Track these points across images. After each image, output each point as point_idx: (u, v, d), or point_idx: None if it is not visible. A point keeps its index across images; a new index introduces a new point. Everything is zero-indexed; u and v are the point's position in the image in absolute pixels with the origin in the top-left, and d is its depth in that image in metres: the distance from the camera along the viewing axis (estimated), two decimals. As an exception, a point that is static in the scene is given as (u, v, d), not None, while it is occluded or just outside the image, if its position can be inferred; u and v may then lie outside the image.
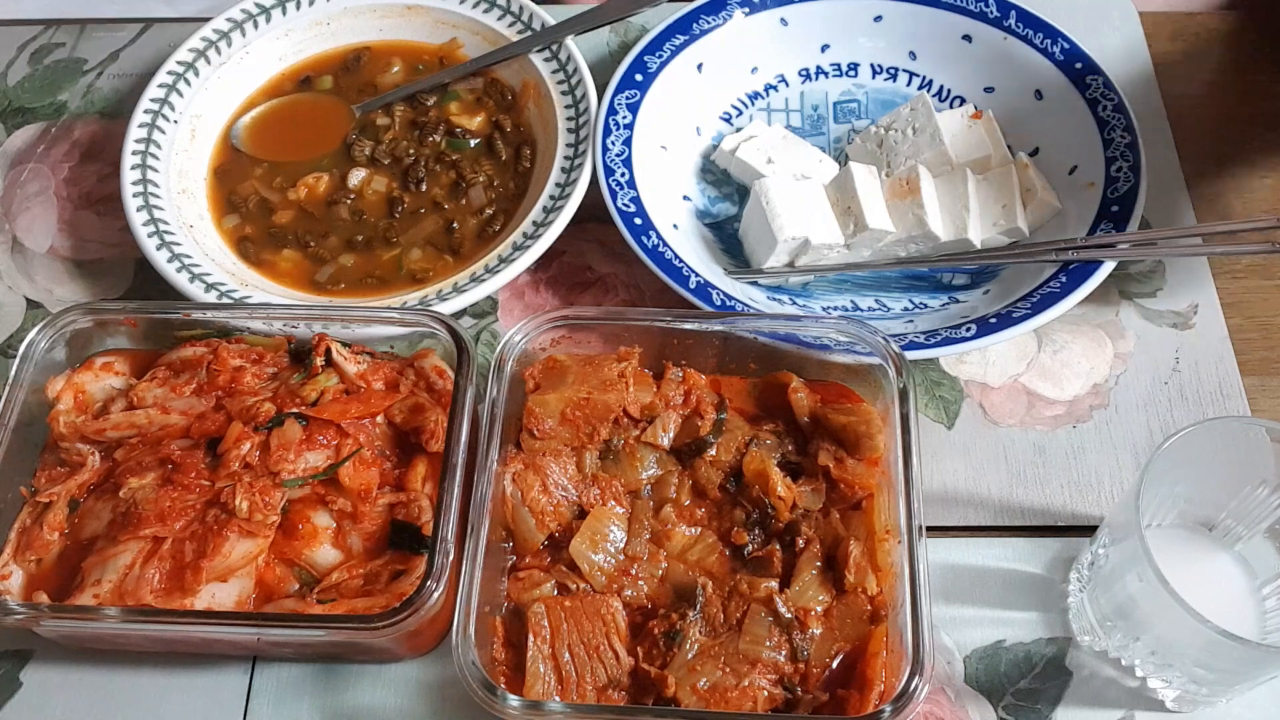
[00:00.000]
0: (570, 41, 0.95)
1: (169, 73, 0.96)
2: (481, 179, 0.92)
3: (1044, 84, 0.93)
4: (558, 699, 0.66)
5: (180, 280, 0.84)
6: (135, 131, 0.92)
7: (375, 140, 0.95)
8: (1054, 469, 0.80)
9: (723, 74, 0.97)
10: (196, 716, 0.73)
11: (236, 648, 0.73)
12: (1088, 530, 0.74)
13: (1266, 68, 1.02)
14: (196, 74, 0.96)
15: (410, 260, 0.89)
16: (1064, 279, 0.81)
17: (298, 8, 1.00)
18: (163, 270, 0.84)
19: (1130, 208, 0.84)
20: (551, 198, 0.87)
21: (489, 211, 0.91)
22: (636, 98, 0.91)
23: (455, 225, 0.90)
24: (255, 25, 0.99)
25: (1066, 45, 0.92)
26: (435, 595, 0.65)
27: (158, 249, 0.85)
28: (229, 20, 0.99)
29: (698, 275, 0.82)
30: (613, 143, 0.89)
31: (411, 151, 0.94)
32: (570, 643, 0.67)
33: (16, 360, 0.74)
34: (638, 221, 0.84)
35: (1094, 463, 0.81)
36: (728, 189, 0.94)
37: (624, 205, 0.85)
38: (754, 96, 0.98)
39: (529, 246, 0.84)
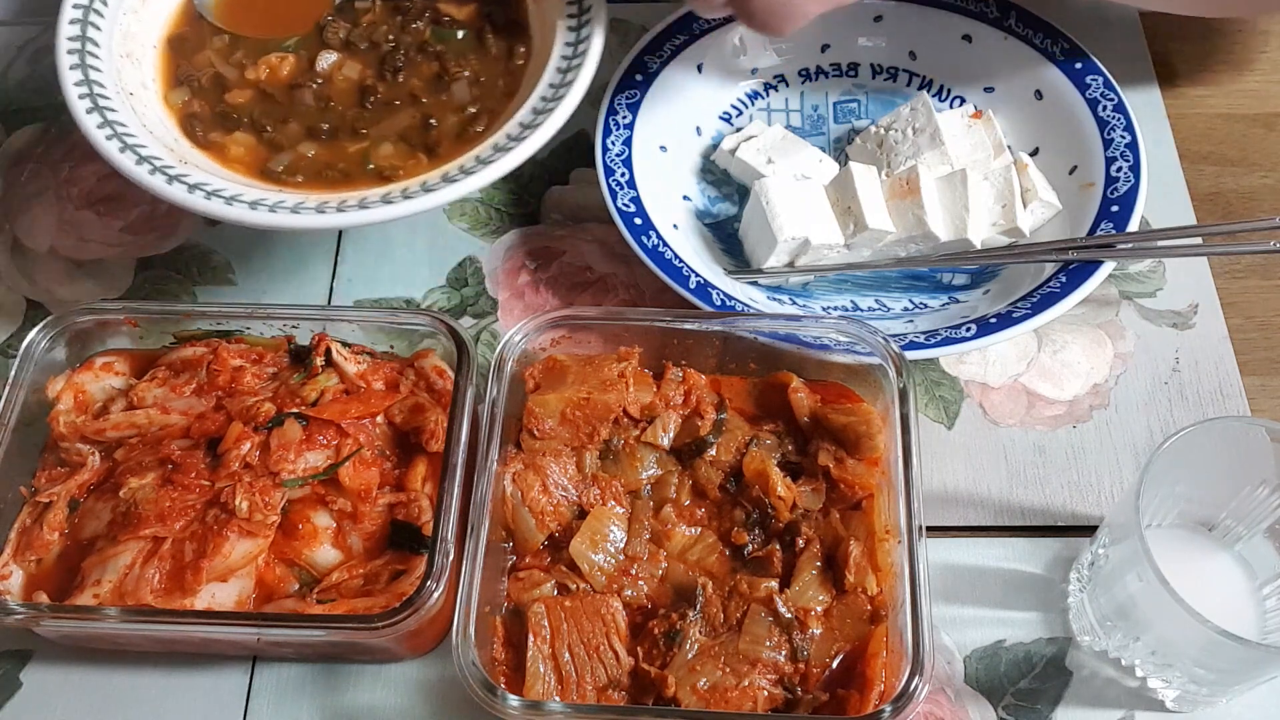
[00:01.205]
0: None
1: None
2: (467, 73, 0.84)
3: (1044, 84, 0.93)
4: (558, 699, 0.66)
5: (110, 149, 0.75)
6: None
7: (353, 23, 0.87)
8: (1054, 469, 0.80)
9: (723, 74, 0.97)
10: (196, 716, 0.73)
11: (236, 648, 0.73)
12: (1088, 530, 0.74)
13: (1267, 68, 1.02)
14: None
15: (379, 154, 0.81)
16: (1064, 279, 0.81)
17: None
18: (91, 136, 0.76)
19: (1130, 208, 0.84)
20: (543, 98, 0.79)
21: (472, 110, 0.83)
22: (636, 98, 0.91)
23: (433, 121, 0.82)
24: None
25: (1066, 45, 0.92)
26: (435, 595, 0.65)
27: (88, 112, 0.76)
28: None
29: (698, 275, 0.82)
30: (613, 143, 0.89)
31: (391, 38, 0.86)
32: (570, 643, 0.67)
33: (16, 360, 0.74)
34: (638, 221, 0.84)
35: (1094, 463, 0.81)
36: (728, 189, 0.94)
37: (624, 205, 0.85)
38: (754, 96, 0.98)
39: (511, 149, 0.76)
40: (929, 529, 0.73)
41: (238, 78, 0.84)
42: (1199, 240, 0.87)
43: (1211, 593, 0.70)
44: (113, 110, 0.77)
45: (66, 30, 0.80)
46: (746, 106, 0.98)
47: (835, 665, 0.68)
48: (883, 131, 0.91)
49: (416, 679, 0.73)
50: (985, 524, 0.78)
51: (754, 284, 0.87)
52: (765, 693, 0.66)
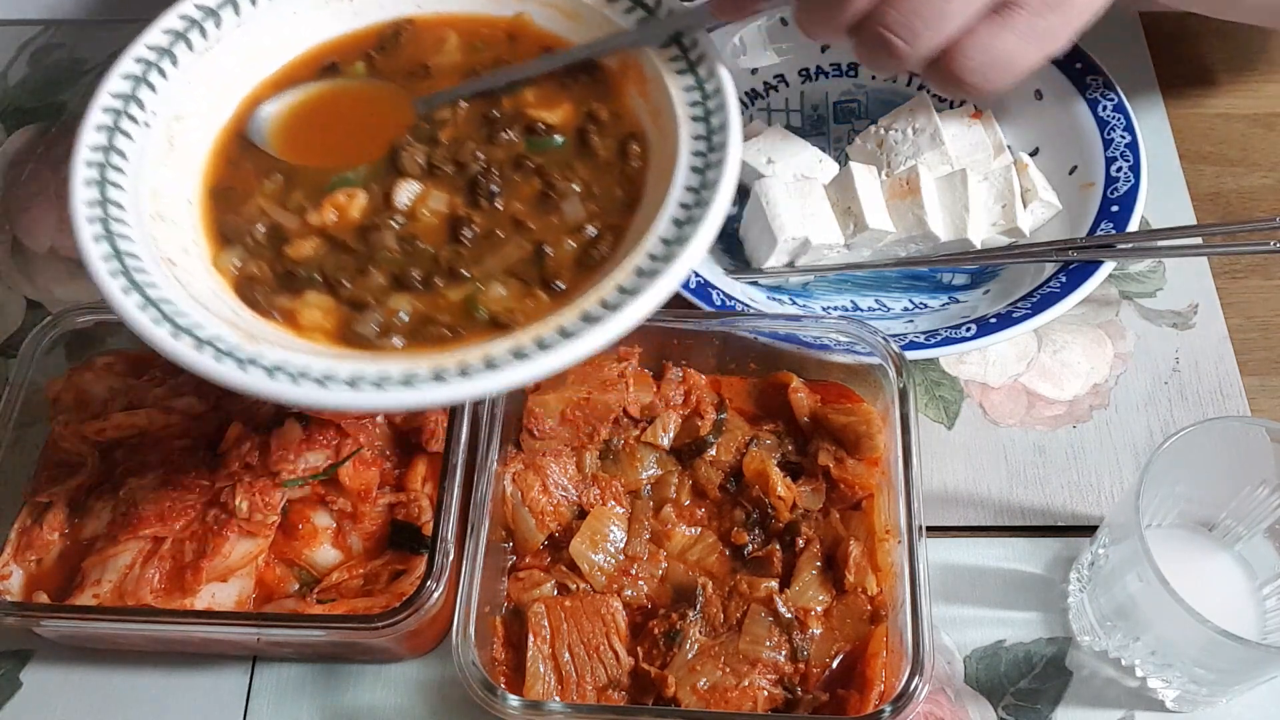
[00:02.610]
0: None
1: (137, 60, 0.69)
2: (576, 186, 0.68)
3: (1044, 84, 0.93)
4: (558, 699, 0.66)
5: (159, 335, 0.59)
6: (90, 138, 0.66)
7: (430, 142, 0.70)
8: (1054, 469, 0.80)
9: (723, 74, 0.97)
10: (196, 716, 0.72)
11: (236, 648, 0.73)
12: (1088, 530, 0.74)
13: (1266, 68, 1.02)
14: (174, 63, 0.69)
15: (489, 299, 0.64)
16: (1064, 279, 0.81)
17: None
18: (135, 323, 0.59)
19: (1130, 208, 0.84)
20: (684, 205, 0.63)
21: (591, 230, 0.66)
22: (636, 98, 0.91)
23: (547, 249, 0.66)
24: (253, 1, 0.72)
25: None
26: (435, 595, 0.65)
27: (124, 292, 0.60)
28: None
29: (698, 275, 0.82)
30: (613, 143, 0.88)
31: (480, 155, 0.69)
32: (570, 643, 0.67)
33: (16, 360, 0.74)
34: (638, 221, 0.84)
35: (1094, 463, 0.81)
36: (728, 189, 0.94)
37: (624, 205, 0.85)
38: (754, 96, 0.98)
39: (659, 272, 0.59)
40: (929, 529, 0.73)
41: (299, 226, 0.67)
42: (1199, 240, 0.87)
43: (1211, 593, 0.70)
44: (154, 286, 0.61)
45: (82, 194, 0.64)
46: (746, 106, 0.98)
47: (835, 665, 0.68)
48: (883, 131, 0.91)
49: (416, 679, 0.73)
50: (985, 524, 0.78)
51: (754, 284, 0.87)
52: (765, 693, 0.66)
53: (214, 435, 0.72)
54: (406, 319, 0.64)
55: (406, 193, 0.68)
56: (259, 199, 0.69)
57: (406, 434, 0.74)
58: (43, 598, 0.69)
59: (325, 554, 0.71)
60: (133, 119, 0.68)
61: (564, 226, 0.67)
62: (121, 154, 0.66)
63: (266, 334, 0.62)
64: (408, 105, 0.72)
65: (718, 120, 0.66)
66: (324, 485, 0.72)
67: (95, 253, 0.62)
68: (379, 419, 0.74)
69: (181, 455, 0.71)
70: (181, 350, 0.59)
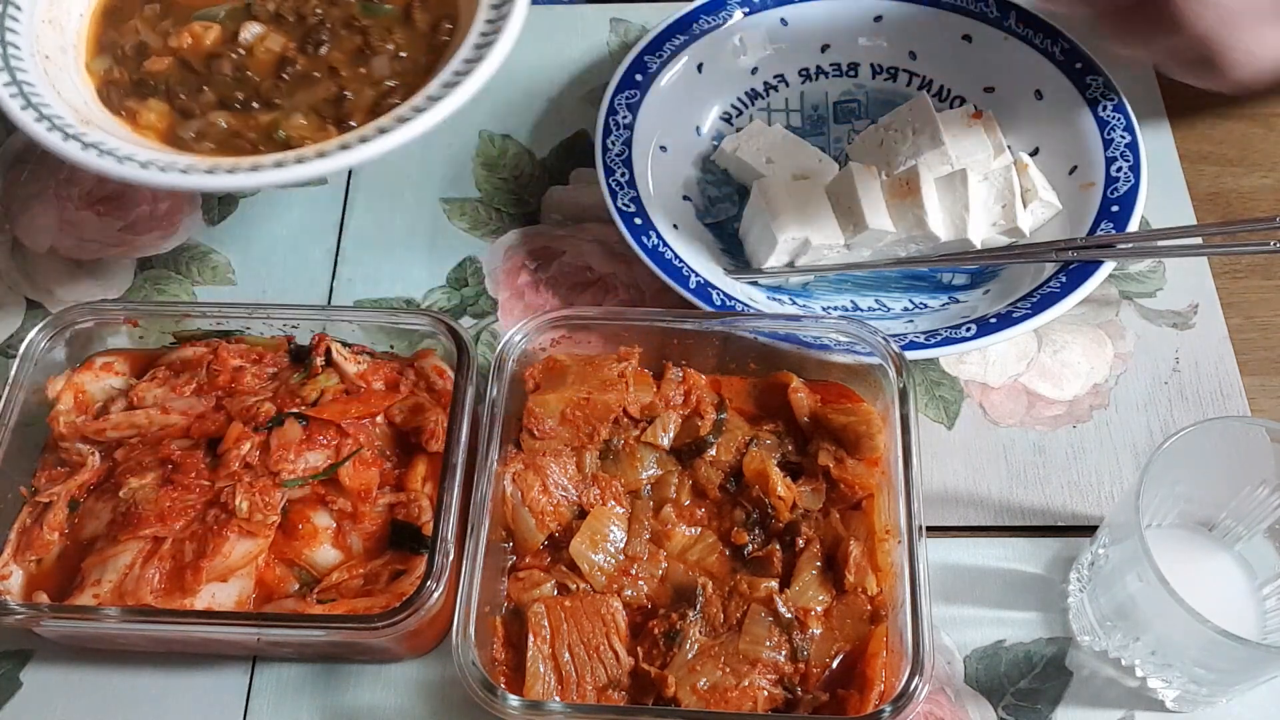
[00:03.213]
0: None
1: None
2: (389, 48, 0.84)
3: (1044, 84, 0.93)
4: (558, 699, 0.66)
5: (12, 106, 0.76)
6: None
7: None
8: (1054, 469, 0.80)
9: (723, 74, 0.97)
10: (196, 716, 0.72)
11: (236, 648, 0.73)
12: (1088, 530, 0.74)
13: (1266, 68, 1.02)
14: None
15: (290, 125, 0.81)
16: (1064, 279, 0.81)
17: None
18: None
19: (1130, 208, 0.84)
20: (455, 73, 0.77)
21: (390, 84, 0.82)
22: (636, 98, 0.91)
23: (349, 94, 0.82)
24: None
25: (1066, 45, 0.92)
26: (435, 595, 0.65)
27: None
28: None
29: (698, 275, 0.82)
30: (613, 143, 0.89)
31: (319, 11, 0.86)
32: (570, 643, 0.67)
33: (16, 360, 0.74)
34: (638, 221, 0.84)
35: (1094, 463, 0.81)
36: (728, 189, 0.94)
37: (624, 205, 0.85)
38: (754, 96, 0.98)
39: (411, 119, 0.75)
40: (929, 529, 0.73)
41: (160, 45, 0.85)
42: (1199, 240, 0.87)
43: (1211, 593, 0.69)
44: (24, 71, 0.78)
45: None
46: (746, 106, 0.98)
47: (835, 665, 0.68)
48: (883, 131, 0.91)
49: (416, 679, 0.73)
50: (985, 524, 0.78)
51: (754, 284, 0.87)
52: (765, 693, 0.66)
53: (214, 435, 0.72)
54: (224, 129, 0.81)
55: (250, 31, 0.85)
56: (136, 20, 0.86)
57: (406, 434, 0.74)
58: (43, 598, 0.69)
59: (325, 554, 0.71)
60: None
61: (369, 79, 0.83)
62: None
63: (104, 123, 0.78)
64: None
65: (505, 9, 0.80)
66: (324, 485, 0.72)
67: None
68: (379, 419, 0.74)
69: (181, 455, 0.71)
70: (25, 118, 0.75)
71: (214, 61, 0.83)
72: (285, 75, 0.83)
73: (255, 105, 0.82)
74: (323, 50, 0.84)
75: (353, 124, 0.80)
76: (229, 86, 0.83)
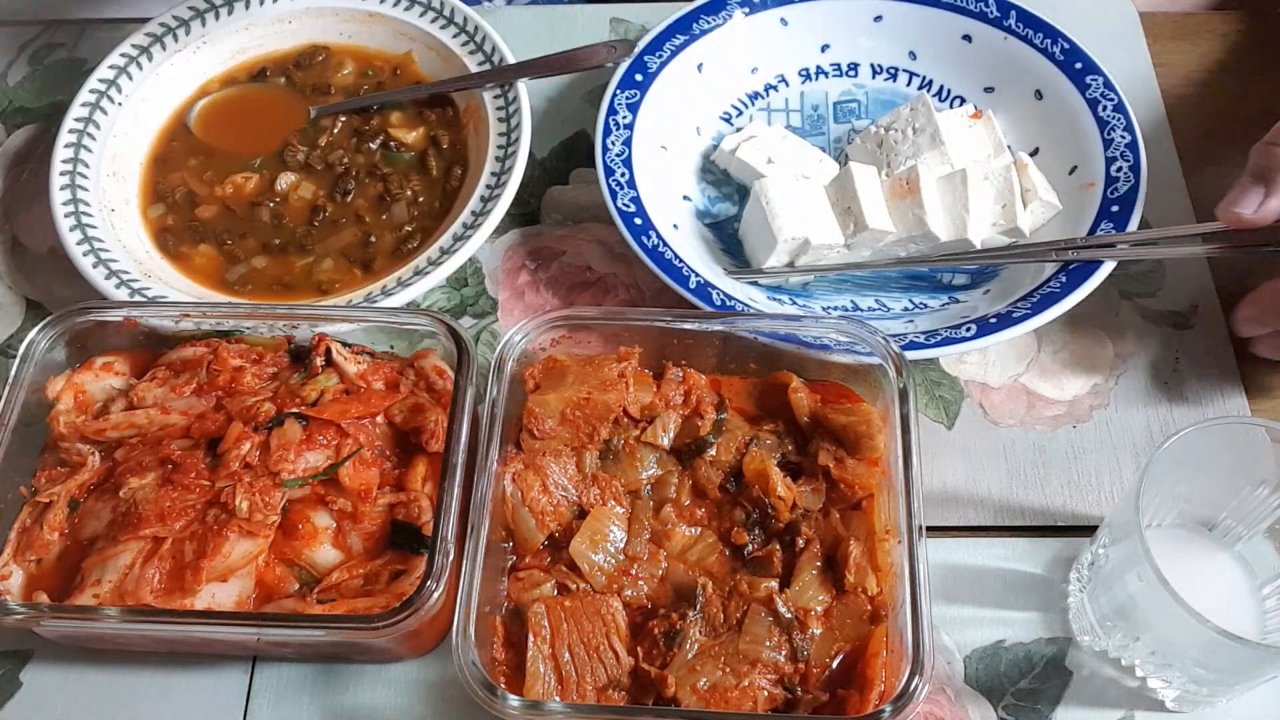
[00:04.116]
0: (520, 83, 0.93)
1: (122, 54, 0.96)
2: (407, 194, 0.91)
3: (1044, 84, 0.93)
4: (558, 699, 0.66)
5: (85, 264, 0.84)
6: (77, 110, 0.93)
7: (311, 145, 0.95)
8: (1054, 469, 0.80)
9: (723, 74, 0.97)
10: (196, 716, 0.72)
11: (236, 648, 0.73)
12: (1088, 530, 0.74)
13: (1266, 67, 1.02)
14: (150, 59, 0.97)
15: (320, 269, 0.89)
16: (1064, 279, 0.81)
17: (260, 3, 1.00)
18: (71, 253, 0.85)
19: (1130, 208, 0.84)
20: (464, 224, 0.85)
21: (408, 229, 0.90)
22: (636, 98, 0.91)
23: (373, 239, 0.90)
24: (216, 16, 0.99)
25: (1066, 45, 0.92)
26: (435, 595, 0.65)
27: (71, 230, 0.86)
28: (190, 9, 0.99)
29: (698, 275, 0.82)
30: (613, 143, 0.89)
31: (345, 160, 0.94)
32: (570, 643, 0.67)
33: (16, 360, 0.74)
34: (638, 221, 0.84)
35: (1094, 463, 0.81)
36: (728, 189, 0.94)
37: (624, 205, 0.85)
38: (754, 96, 0.98)
39: (428, 273, 0.82)
40: (929, 529, 0.73)
41: (208, 194, 0.93)
42: (1199, 240, 0.87)
43: (1211, 593, 0.70)
44: (93, 228, 0.87)
45: (61, 154, 0.90)
46: (746, 106, 0.98)
47: (835, 665, 0.68)
48: (883, 131, 0.91)
49: (416, 679, 0.73)
50: (985, 524, 0.78)
51: (754, 284, 0.87)
52: (765, 693, 0.66)
53: (214, 435, 0.72)
54: (267, 275, 0.89)
55: (284, 180, 0.93)
56: (183, 171, 0.95)
57: (406, 434, 0.74)
58: (43, 598, 0.69)
59: (325, 554, 0.71)
60: (111, 99, 0.95)
61: (390, 224, 0.91)
62: (97, 125, 0.93)
63: (162, 271, 0.87)
64: (305, 111, 0.97)
65: (509, 164, 0.88)
66: (324, 485, 0.72)
67: (58, 199, 0.88)
68: (379, 419, 0.74)
69: (181, 455, 0.71)
70: (97, 276, 0.83)
71: (255, 209, 0.92)
72: (316, 222, 0.91)
73: (291, 250, 0.90)
74: (350, 198, 0.92)
75: (374, 267, 0.88)
76: (268, 232, 0.91)
